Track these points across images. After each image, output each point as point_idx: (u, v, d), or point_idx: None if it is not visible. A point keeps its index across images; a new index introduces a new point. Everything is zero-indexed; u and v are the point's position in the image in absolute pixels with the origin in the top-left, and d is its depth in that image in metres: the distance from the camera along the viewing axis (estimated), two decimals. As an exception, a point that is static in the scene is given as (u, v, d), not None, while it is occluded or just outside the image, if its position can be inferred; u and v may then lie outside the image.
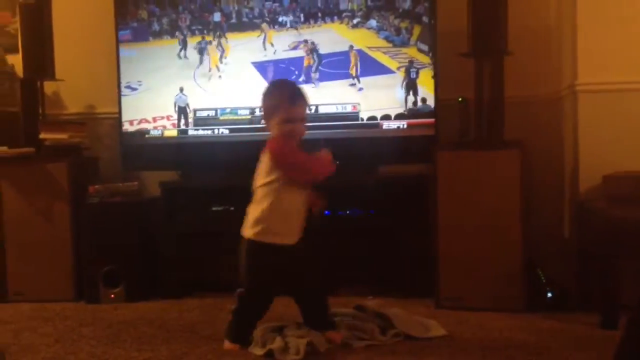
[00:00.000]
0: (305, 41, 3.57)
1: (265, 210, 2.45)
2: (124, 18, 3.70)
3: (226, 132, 3.59)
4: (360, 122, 3.46)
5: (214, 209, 3.51)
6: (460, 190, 3.06)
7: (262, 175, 2.47)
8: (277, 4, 3.61)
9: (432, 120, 3.38)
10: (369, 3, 3.53)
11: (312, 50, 3.56)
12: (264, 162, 2.48)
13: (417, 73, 3.44)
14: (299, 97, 2.52)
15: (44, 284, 3.50)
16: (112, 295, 3.41)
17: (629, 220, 2.67)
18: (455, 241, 3.05)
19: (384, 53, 3.52)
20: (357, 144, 3.44)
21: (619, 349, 1.79)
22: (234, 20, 3.66)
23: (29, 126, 3.68)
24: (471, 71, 3.17)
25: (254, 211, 2.50)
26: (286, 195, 2.44)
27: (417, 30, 3.47)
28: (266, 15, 3.63)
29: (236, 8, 3.66)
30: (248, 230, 2.51)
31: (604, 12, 3.15)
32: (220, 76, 3.65)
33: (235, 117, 3.59)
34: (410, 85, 3.44)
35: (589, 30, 3.15)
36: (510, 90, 3.15)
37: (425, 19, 3.44)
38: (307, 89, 3.46)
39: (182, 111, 3.67)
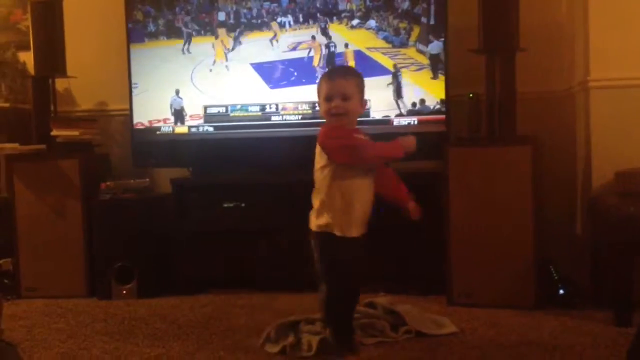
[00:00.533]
0: (313, 37, 3.54)
1: (324, 199, 2.25)
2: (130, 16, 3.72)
3: (236, 128, 3.59)
4: (370, 118, 3.45)
5: (225, 205, 3.52)
6: (472, 186, 3.05)
7: (316, 159, 2.30)
8: (275, 5, 3.59)
9: (442, 116, 3.37)
10: (368, 3, 3.50)
11: (325, 45, 3.52)
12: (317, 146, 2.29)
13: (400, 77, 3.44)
14: (335, 73, 2.36)
15: (57, 280, 3.52)
16: (124, 292, 3.43)
17: (641, 216, 2.66)
18: (467, 238, 3.04)
19: (383, 54, 3.48)
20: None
21: (633, 346, 1.79)
22: (243, 20, 3.63)
23: (41, 123, 3.70)
24: (482, 67, 3.16)
25: (314, 201, 2.31)
26: (343, 181, 2.23)
27: (416, 31, 3.44)
28: (264, 16, 3.60)
29: (234, 9, 3.64)
30: (312, 222, 2.31)
31: (615, 8, 3.13)
32: (227, 67, 3.63)
33: (246, 114, 3.59)
34: (398, 88, 3.45)
35: (601, 26, 3.13)
36: (521, 86, 3.14)
37: (424, 19, 3.41)
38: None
39: (178, 114, 3.66)
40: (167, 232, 3.54)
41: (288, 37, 3.59)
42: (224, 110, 3.61)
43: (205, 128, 3.63)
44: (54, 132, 3.65)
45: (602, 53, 3.13)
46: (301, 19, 3.58)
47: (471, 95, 3.19)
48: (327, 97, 2.25)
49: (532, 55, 3.26)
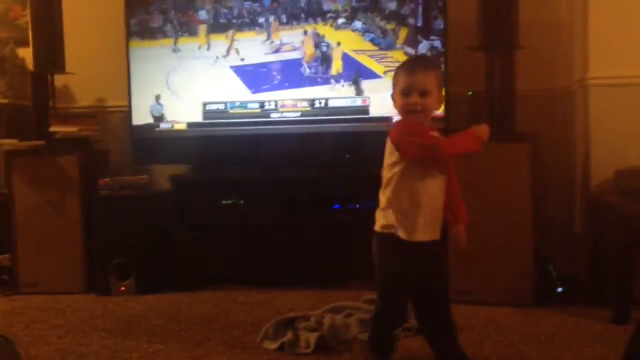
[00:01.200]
0: (305, 32, 3.47)
1: (390, 198, 2.07)
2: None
3: (235, 125, 3.58)
4: (370, 116, 3.44)
5: (224, 202, 3.51)
6: (471, 183, 3.04)
7: (386, 156, 2.11)
8: (257, 4, 3.52)
9: (442, 114, 3.36)
10: (354, 4, 3.43)
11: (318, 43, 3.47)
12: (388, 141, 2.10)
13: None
14: (416, 65, 2.10)
15: (55, 276, 3.52)
16: (123, 288, 3.43)
17: (640, 214, 2.66)
18: (465, 235, 3.04)
19: (370, 57, 3.41)
20: (368, 138, 3.43)
21: (631, 343, 1.79)
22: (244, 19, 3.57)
23: (40, 119, 3.70)
24: (481, 64, 3.15)
25: (381, 199, 2.13)
26: (412, 181, 2.04)
27: (403, 33, 3.37)
28: (246, 16, 3.51)
29: (212, 8, 3.56)
30: (377, 222, 2.12)
31: (615, 6, 3.13)
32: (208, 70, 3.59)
33: (245, 111, 3.58)
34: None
35: (601, 24, 3.13)
36: (521, 83, 3.15)
37: (411, 20, 3.34)
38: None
39: (157, 121, 3.65)
40: (165, 229, 3.54)
41: (256, 41, 3.50)
42: (223, 107, 3.60)
43: (205, 125, 3.62)
44: (53, 128, 3.65)
45: (601, 51, 3.13)
46: (285, 20, 3.50)
47: (471, 93, 3.19)
48: (404, 91, 2.05)
49: (531, 52, 3.25)
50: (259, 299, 3.22)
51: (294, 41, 3.51)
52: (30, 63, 3.77)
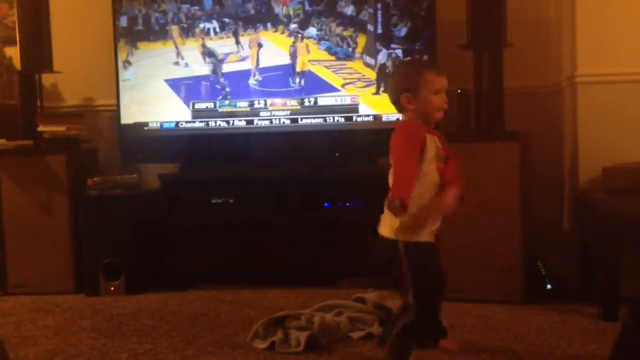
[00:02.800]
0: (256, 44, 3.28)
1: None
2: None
3: (224, 124, 3.58)
4: (361, 113, 3.44)
5: (213, 201, 3.51)
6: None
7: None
8: (196, 7, 3.27)
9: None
10: (307, 8, 3.17)
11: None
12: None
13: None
14: (439, 67, 2.17)
15: (44, 276, 3.50)
16: (112, 288, 3.41)
17: (628, 211, 2.67)
18: (454, 233, 3.04)
19: (326, 67, 3.20)
20: (357, 136, 3.43)
21: (619, 340, 1.80)
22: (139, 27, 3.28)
23: (27, 119, 3.68)
24: (469, 63, 3.16)
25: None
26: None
27: (362, 41, 3.16)
28: (184, 20, 3.25)
29: (143, 12, 3.34)
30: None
31: (603, 4, 3.14)
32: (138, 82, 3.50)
33: (234, 109, 3.57)
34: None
35: (588, 22, 3.14)
36: (509, 81, 3.15)
37: (370, 27, 3.08)
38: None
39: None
40: (155, 228, 3.53)
41: (213, 47, 3.36)
42: (212, 106, 3.59)
43: (194, 124, 3.61)
44: (41, 128, 3.62)
45: (589, 48, 3.14)
46: (228, 26, 3.29)
47: (459, 91, 3.19)
48: (437, 90, 2.04)
49: (519, 50, 3.26)
50: (249, 298, 3.22)
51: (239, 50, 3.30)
52: (17, 62, 3.75)
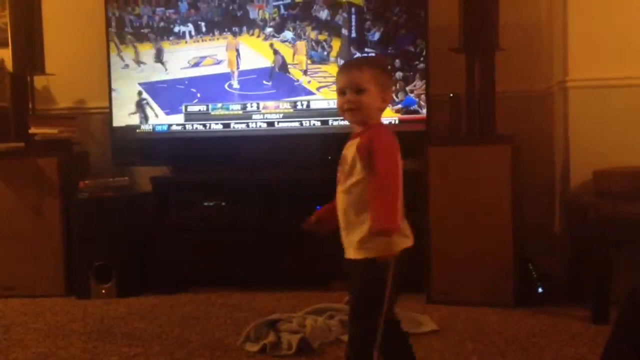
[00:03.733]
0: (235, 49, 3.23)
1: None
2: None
3: (217, 127, 3.58)
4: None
5: (205, 204, 3.50)
6: (451, 185, 3.06)
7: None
8: (172, 11, 3.24)
9: (423, 116, 3.38)
10: (283, 12, 3.18)
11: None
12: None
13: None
14: (349, 65, 2.06)
15: (35, 279, 3.48)
16: (103, 291, 3.40)
17: (619, 215, 2.69)
18: (446, 236, 3.06)
19: (301, 71, 3.21)
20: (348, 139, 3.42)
21: (609, 343, 1.80)
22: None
23: (19, 121, 3.66)
24: (461, 66, 3.17)
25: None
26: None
27: (336, 44, 3.16)
28: (161, 23, 3.24)
29: (117, 14, 3.35)
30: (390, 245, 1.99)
31: (594, 9, 3.15)
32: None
33: (226, 112, 3.57)
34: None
35: (580, 27, 3.16)
36: (501, 85, 3.16)
37: (344, 31, 3.09)
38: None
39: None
40: (146, 231, 3.52)
41: (188, 51, 3.34)
42: (205, 109, 3.59)
43: (186, 126, 3.61)
44: (32, 130, 3.61)
45: (580, 53, 3.16)
46: (204, 29, 3.25)
47: (452, 95, 3.21)
48: (340, 90, 1.95)
49: (511, 55, 3.27)
50: (240, 301, 3.21)
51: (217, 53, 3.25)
52: (9, 64, 3.73)
